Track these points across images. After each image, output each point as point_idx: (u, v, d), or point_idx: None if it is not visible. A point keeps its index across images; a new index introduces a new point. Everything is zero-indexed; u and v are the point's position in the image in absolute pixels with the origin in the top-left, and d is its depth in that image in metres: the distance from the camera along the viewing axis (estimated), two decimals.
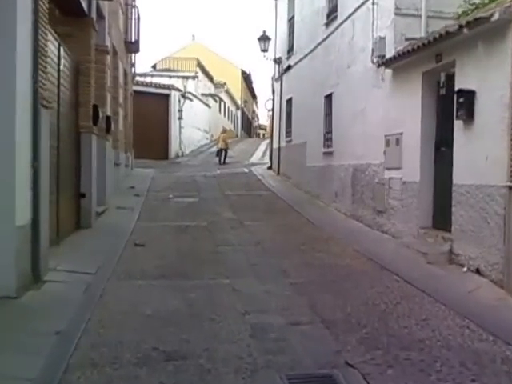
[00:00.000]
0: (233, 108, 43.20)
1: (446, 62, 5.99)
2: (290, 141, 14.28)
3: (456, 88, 5.64)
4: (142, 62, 50.29)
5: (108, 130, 9.54)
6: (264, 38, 15.61)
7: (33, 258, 4.39)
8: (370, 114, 8.22)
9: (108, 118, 9.51)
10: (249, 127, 54.04)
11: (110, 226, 7.75)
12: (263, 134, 56.67)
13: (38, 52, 4.42)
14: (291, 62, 14.07)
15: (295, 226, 8.23)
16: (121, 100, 12.85)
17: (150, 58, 54.46)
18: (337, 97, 10.02)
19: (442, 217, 6.24)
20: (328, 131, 10.68)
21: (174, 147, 22.16)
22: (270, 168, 16.77)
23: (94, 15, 7.65)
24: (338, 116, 9.93)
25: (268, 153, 24.64)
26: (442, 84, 6.11)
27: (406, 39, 7.00)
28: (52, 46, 5.67)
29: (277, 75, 15.96)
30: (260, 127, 61.58)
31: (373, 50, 7.86)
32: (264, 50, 15.67)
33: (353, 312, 4.15)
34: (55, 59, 5.90)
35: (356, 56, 8.88)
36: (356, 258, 6.06)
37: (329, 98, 10.50)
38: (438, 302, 4.37)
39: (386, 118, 7.56)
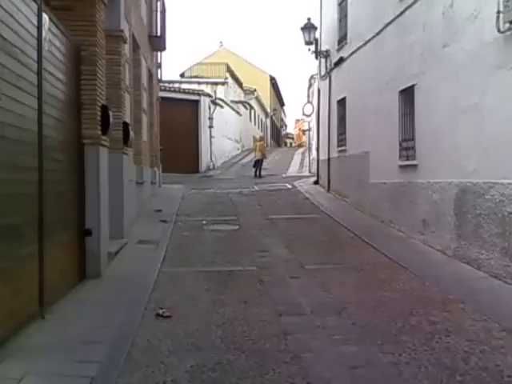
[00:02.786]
0: (262, 116, 41.23)
1: None
2: (343, 151, 11.89)
3: None
4: (170, 71, 48.85)
5: (126, 140, 7.40)
6: (309, 28, 13.19)
7: None
8: (490, 109, 5.73)
9: (125, 125, 7.37)
10: (278, 136, 52.09)
11: (126, 276, 5.53)
12: (290, 143, 54.57)
13: None
14: (343, 53, 11.72)
15: (381, 273, 5.79)
16: (145, 105, 10.79)
17: (177, 67, 53.08)
18: (423, 90, 7.55)
19: None
20: (407, 138, 8.22)
21: (204, 159, 20.09)
22: (316, 183, 14.39)
23: None
24: (426, 116, 7.46)
25: (306, 164, 22.34)
26: None
27: None
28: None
29: (323, 72, 13.60)
30: (288, 136, 59.55)
31: (498, 14, 5.40)
32: (309, 43, 13.31)
33: None
34: (29, 26, 3.72)
35: (459, 29, 6.40)
36: None
37: (408, 92, 8.05)
38: None
39: None
